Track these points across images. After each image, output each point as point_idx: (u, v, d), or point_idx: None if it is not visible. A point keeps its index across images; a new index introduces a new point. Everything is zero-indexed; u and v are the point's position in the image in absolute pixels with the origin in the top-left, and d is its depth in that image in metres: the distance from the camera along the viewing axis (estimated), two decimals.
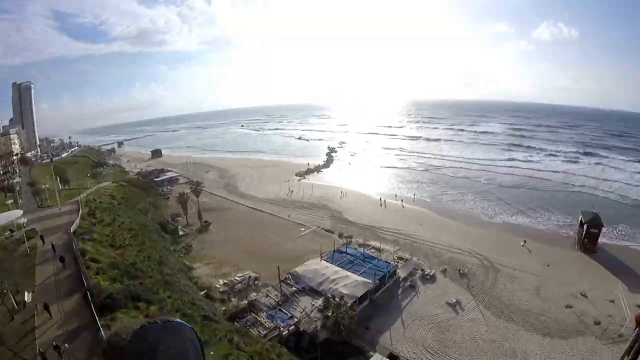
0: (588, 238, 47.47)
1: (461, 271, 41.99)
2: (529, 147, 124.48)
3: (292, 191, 76.27)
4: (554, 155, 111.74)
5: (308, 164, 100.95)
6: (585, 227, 47.44)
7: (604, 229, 48.55)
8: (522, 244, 49.26)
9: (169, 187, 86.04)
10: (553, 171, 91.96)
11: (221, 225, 58.56)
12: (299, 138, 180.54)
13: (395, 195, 70.53)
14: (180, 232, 56.22)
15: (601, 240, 48.44)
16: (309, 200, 69.84)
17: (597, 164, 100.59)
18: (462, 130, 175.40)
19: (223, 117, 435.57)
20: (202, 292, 37.24)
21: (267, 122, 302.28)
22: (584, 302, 36.54)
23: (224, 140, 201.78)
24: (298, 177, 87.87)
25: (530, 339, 31.25)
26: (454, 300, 36.41)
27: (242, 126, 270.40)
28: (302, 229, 55.13)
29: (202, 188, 69.83)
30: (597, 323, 33.36)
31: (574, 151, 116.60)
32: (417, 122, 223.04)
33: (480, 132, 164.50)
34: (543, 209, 64.22)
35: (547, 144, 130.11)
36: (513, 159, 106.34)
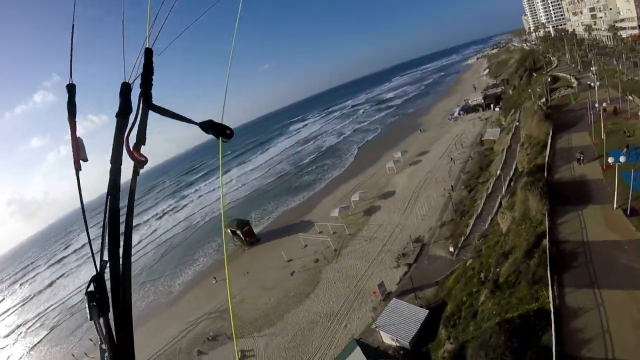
0: (248, 236, 67.14)
1: (210, 337, 45.34)
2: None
3: None
4: (161, 217, 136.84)
5: None
6: (239, 231, 66.33)
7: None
8: (214, 282, 59.10)
9: None
10: (172, 227, 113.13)
11: None
12: None
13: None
14: None
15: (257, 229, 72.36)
16: None
17: (197, 194, 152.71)
18: (38, 269, 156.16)
19: None
20: None
21: None
22: (295, 264, 53.04)
23: None
24: None
25: (302, 309, 42.09)
26: (241, 355, 40.47)
27: None
28: None
29: None
30: (316, 260, 51.86)
31: (175, 201, 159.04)
32: None
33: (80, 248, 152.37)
34: (198, 248, 79.97)
35: (142, 214, 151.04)
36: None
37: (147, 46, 2.14)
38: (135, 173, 2.04)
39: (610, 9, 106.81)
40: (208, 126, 2.12)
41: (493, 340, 18.97)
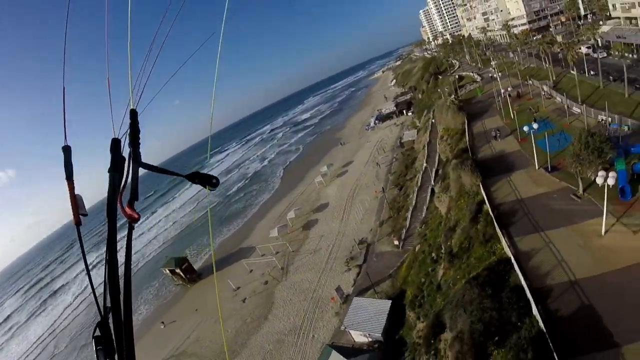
0: (189, 272, 64.98)
1: None
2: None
3: None
4: (90, 271, 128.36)
5: None
6: (178, 270, 64.26)
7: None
8: (162, 327, 56.44)
9: None
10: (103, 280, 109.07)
11: None
12: None
13: None
14: None
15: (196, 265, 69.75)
16: None
17: (124, 241, 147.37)
18: None
19: None
20: None
21: None
22: (244, 290, 52.30)
23: None
24: None
25: (264, 333, 41.89)
26: None
27: None
28: None
29: None
30: (265, 282, 51.99)
31: (102, 252, 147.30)
32: None
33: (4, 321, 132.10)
34: (135, 297, 72.42)
35: (69, 271, 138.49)
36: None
37: (132, 107, 2.32)
38: (130, 228, 2.25)
39: (501, 10, 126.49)
40: (195, 177, 2.50)
41: (467, 296, 20.35)
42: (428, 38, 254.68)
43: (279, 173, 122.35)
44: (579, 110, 41.01)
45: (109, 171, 2.17)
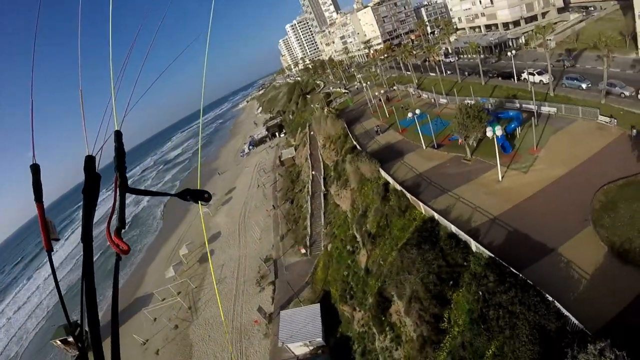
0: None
1: None
2: None
3: None
4: None
5: None
6: (71, 338, 52.84)
7: None
8: None
9: None
10: None
11: None
12: None
13: None
14: None
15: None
16: None
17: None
18: None
19: None
20: None
21: None
22: (154, 342, 48.33)
23: None
24: None
25: None
26: None
27: None
28: None
29: None
30: (175, 327, 48.80)
31: None
32: None
33: None
34: None
35: None
36: None
37: (116, 128, 2.22)
38: (118, 258, 2.18)
39: (358, 33, 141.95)
40: (186, 194, 2.45)
41: (406, 260, 21.08)
42: (289, 65, 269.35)
43: (159, 213, 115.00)
44: (445, 101, 48.10)
45: (83, 192, 1.98)
